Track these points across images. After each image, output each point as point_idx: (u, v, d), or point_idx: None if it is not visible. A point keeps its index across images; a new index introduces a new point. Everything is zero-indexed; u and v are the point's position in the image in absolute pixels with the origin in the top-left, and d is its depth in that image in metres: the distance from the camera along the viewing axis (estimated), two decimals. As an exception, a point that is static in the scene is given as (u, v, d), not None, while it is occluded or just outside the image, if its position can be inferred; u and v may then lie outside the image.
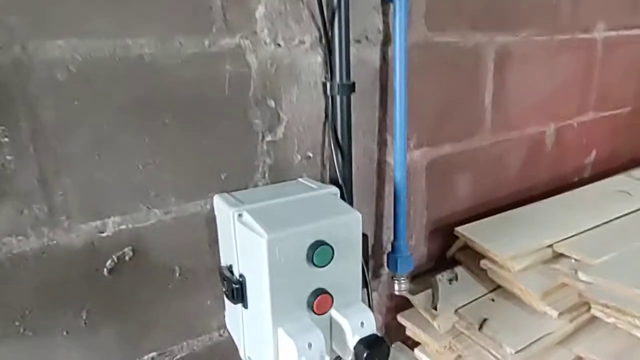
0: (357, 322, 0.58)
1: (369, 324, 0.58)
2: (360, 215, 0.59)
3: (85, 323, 0.59)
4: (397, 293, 0.82)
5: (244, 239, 0.57)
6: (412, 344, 0.91)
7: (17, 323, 0.54)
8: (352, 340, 0.57)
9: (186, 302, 0.67)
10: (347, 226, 0.58)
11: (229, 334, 0.71)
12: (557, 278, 0.81)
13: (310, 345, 0.54)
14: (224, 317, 0.70)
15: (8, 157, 0.50)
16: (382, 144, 0.82)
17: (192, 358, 0.69)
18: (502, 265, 0.83)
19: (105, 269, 0.59)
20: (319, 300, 0.56)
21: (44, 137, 0.52)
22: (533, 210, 1.00)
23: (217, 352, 0.72)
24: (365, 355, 0.55)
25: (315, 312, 0.57)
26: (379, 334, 0.58)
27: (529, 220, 0.95)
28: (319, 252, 0.55)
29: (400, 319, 0.89)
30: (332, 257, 0.56)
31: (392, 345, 0.96)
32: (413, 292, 0.87)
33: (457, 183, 0.97)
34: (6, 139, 0.50)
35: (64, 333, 0.58)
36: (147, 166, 0.59)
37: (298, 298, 0.56)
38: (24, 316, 0.55)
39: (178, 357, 0.68)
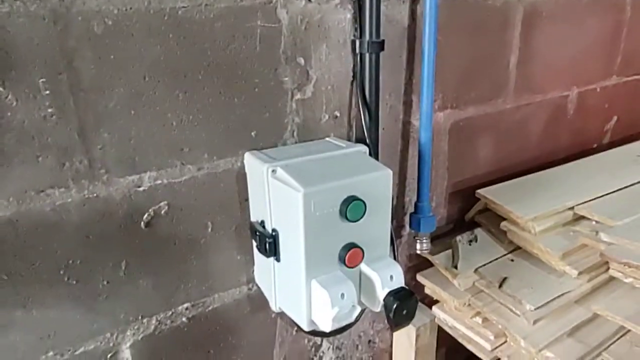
0: (387, 275, 0.59)
1: (397, 277, 0.60)
2: (391, 173, 0.60)
3: (124, 273, 0.61)
4: (418, 252, 0.84)
5: (277, 194, 0.58)
6: (430, 303, 0.93)
7: (61, 272, 0.57)
8: (381, 293, 0.59)
9: (217, 257, 0.69)
10: (378, 183, 0.59)
11: (258, 287, 0.73)
12: (577, 239, 0.82)
13: (342, 295, 0.56)
14: (253, 271, 0.73)
15: (49, 110, 0.51)
16: (407, 105, 0.82)
17: (223, 309, 0.72)
18: (523, 227, 0.84)
19: (142, 223, 0.61)
20: (351, 253, 0.58)
21: (83, 91, 0.52)
22: (553, 174, 1.00)
23: (246, 305, 0.74)
24: (395, 306, 0.57)
25: (346, 265, 0.58)
26: (406, 287, 0.60)
27: (549, 183, 0.95)
28: (352, 207, 0.56)
29: (419, 278, 0.91)
30: (365, 213, 0.57)
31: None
32: (432, 253, 0.89)
33: (478, 146, 0.97)
34: (47, 92, 0.50)
35: (105, 282, 0.60)
36: (181, 122, 0.60)
37: (330, 251, 0.58)
38: (68, 265, 0.57)
39: (210, 308, 0.71)
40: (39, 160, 0.52)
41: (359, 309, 0.57)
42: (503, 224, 0.87)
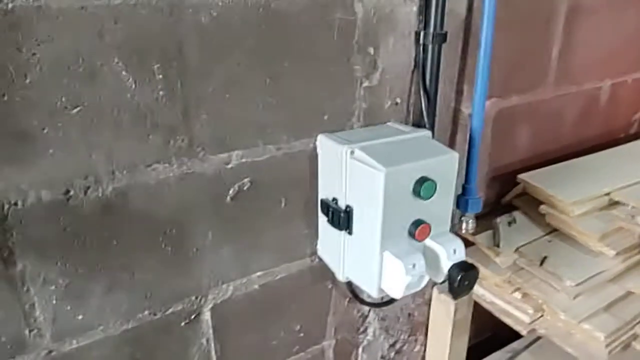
0: (451, 249, 0.65)
1: (460, 251, 0.66)
2: (457, 155, 0.65)
3: (210, 242, 0.68)
4: (463, 232, 0.90)
5: (356, 173, 0.64)
6: (468, 280, 1.00)
7: (160, 239, 0.63)
8: (446, 265, 0.65)
9: (288, 230, 0.75)
10: (447, 165, 0.65)
11: (319, 260, 0.79)
12: (614, 222, 0.88)
13: (414, 265, 0.62)
14: (316, 245, 0.79)
15: (161, 93, 0.56)
16: (459, 94, 0.87)
17: (288, 279, 0.79)
18: (562, 210, 0.90)
19: (228, 197, 0.67)
20: (421, 228, 0.64)
21: (189, 75, 0.58)
22: (587, 161, 1.06)
23: (308, 275, 0.81)
24: (459, 277, 0.63)
25: (416, 239, 0.64)
26: (468, 260, 0.66)
27: (584, 170, 1.01)
28: (426, 187, 0.62)
29: (460, 256, 0.97)
30: (435, 191, 0.63)
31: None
32: (473, 233, 0.95)
33: (518, 134, 1.02)
34: (160, 76, 0.56)
35: (194, 250, 0.67)
36: (266, 105, 0.65)
37: (402, 226, 0.64)
38: (166, 234, 0.63)
39: (278, 277, 0.78)
40: (149, 138, 0.58)
41: (427, 278, 0.63)
42: (542, 207, 0.93)
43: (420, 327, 1.08)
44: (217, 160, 0.64)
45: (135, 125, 0.56)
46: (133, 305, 0.64)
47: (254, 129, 0.66)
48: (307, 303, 0.84)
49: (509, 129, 1.00)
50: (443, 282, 0.67)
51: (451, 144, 0.90)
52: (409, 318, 1.05)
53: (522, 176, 0.96)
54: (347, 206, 0.67)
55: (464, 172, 0.88)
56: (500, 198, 1.06)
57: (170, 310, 0.68)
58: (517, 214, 0.99)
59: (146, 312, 0.66)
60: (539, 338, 1.13)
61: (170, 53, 0.56)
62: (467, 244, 0.98)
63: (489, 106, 0.93)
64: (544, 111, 1.04)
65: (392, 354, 1.06)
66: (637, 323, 0.80)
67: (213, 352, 0.75)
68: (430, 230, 0.65)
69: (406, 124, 0.81)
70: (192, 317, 0.71)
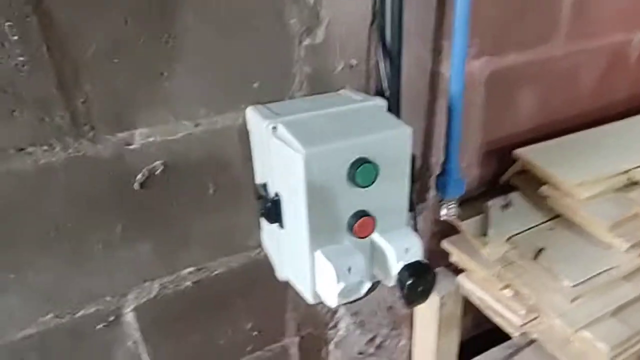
0: (402, 247, 0.53)
1: (414, 249, 0.53)
2: (410, 130, 0.52)
3: (120, 236, 0.58)
4: (444, 218, 0.76)
5: (279, 155, 0.52)
6: (456, 270, 0.87)
7: (51, 234, 0.54)
8: (395, 267, 0.52)
9: (221, 219, 0.64)
10: (395, 142, 0.51)
11: (266, 252, 0.69)
12: (630, 208, 0.72)
13: (349, 269, 0.50)
14: (260, 236, 0.68)
15: (20, 59, 0.46)
16: (436, 53, 0.71)
17: (229, 274, 0.69)
18: (567, 192, 0.74)
19: (136, 183, 0.56)
20: (361, 223, 0.51)
21: (56, 36, 0.46)
22: (607, 132, 0.88)
23: (254, 270, 0.70)
24: (409, 283, 0.51)
25: (356, 235, 0.52)
26: (424, 261, 0.53)
27: (601, 143, 0.83)
28: (362, 171, 0.49)
29: (445, 245, 0.84)
30: (376, 177, 0.50)
31: (435, 270, 0.93)
32: (461, 218, 0.81)
33: (519, 100, 0.85)
34: (15, 38, 0.45)
35: (100, 246, 0.57)
36: (171, 73, 0.53)
37: (338, 219, 0.52)
38: (58, 227, 0.54)
39: (215, 272, 0.68)
40: (14, 115, 0.47)
41: (368, 284, 0.51)
42: (542, 188, 0.77)
43: (404, 321, 0.97)
44: (115, 141, 0.53)
45: (-9, 100, 0.46)
46: (29, 309, 0.56)
47: (160, 101, 0.54)
48: (258, 299, 0.74)
49: (508, 94, 0.83)
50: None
51: (429, 114, 0.75)
52: (389, 311, 0.93)
53: (519, 151, 0.80)
54: (276, 194, 0.55)
55: (443, 148, 0.73)
56: (499, 176, 0.91)
57: (80, 313, 0.60)
58: (514, 196, 0.84)
59: (49, 316, 0.58)
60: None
61: (24, 8, 0.44)
62: (454, 230, 0.84)
63: (479, 67, 0.77)
64: (553, 71, 0.86)
65: (372, 349, 0.95)
66: (653, 332, 0.65)
67: (145, 355, 0.67)
68: (374, 224, 0.53)
69: (367, 91, 0.67)
70: (110, 319, 0.62)
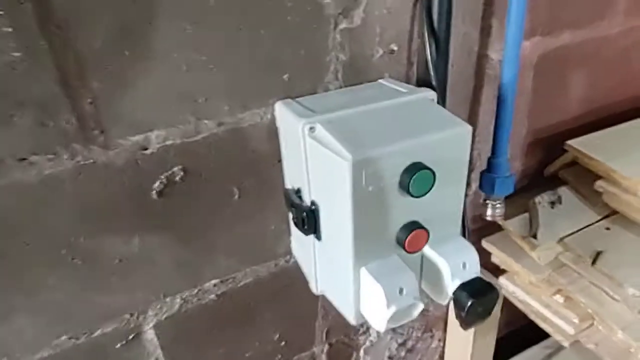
0: (458, 263, 0.46)
1: (472, 265, 0.47)
2: (471, 129, 0.44)
3: (138, 249, 0.52)
4: (489, 219, 0.69)
5: (317, 159, 0.45)
6: (495, 269, 0.80)
7: (63, 251, 0.48)
8: (451, 285, 0.46)
9: (248, 226, 0.58)
10: (453, 144, 0.44)
11: (297, 260, 0.62)
12: (702, 206, 0.64)
13: (401, 290, 0.43)
14: (290, 243, 0.62)
15: (15, 54, 0.39)
16: (484, 33, 0.63)
17: (257, 284, 0.63)
18: (627, 188, 0.66)
19: (154, 192, 0.50)
20: (412, 236, 0.44)
21: (57, 27, 0.39)
22: (666, 118, 0.79)
23: (283, 278, 0.64)
24: (469, 304, 0.44)
25: (406, 250, 0.45)
26: (484, 278, 0.47)
27: (661, 131, 0.75)
28: (418, 179, 0.41)
29: (486, 245, 0.77)
30: (433, 184, 0.43)
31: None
32: (505, 216, 0.74)
33: (570, 84, 0.77)
34: (8, 29, 0.38)
35: (117, 261, 0.51)
36: (192, 65, 0.46)
37: (386, 232, 0.45)
38: (70, 244, 0.48)
39: (242, 283, 0.62)
40: (13, 121, 0.41)
41: (421, 307, 0.45)
42: (599, 183, 0.70)
43: (437, 323, 0.91)
44: (129, 145, 0.47)
45: (-16, 105, 0.39)
46: (41, 332, 0.51)
47: (179, 98, 0.47)
48: (286, 309, 0.68)
49: (558, 78, 0.75)
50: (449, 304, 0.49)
51: (473, 103, 0.67)
52: (422, 314, 0.87)
53: (572, 142, 0.72)
54: (312, 202, 0.48)
55: (490, 141, 0.65)
56: (544, 168, 0.83)
57: (98, 332, 0.54)
58: (563, 191, 0.77)
59: (64, 337, 0.52)
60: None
61: (17, -7, 0.37)
62: (496, 228, 0.77)
63: (529, 48, 0.68)
64: (609, 51, 0.77)
65: (403, 353, 0.90)
66: None
67: (168, 372, 0.62)
68: (428, 237, 0.46)
69: (408, 79, 0.59)
70: (130, 337, 0.57)
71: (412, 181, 0.41)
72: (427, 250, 0.47)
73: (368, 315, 0.47)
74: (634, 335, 0.59)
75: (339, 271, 0.48)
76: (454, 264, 0.46)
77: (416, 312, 0.45)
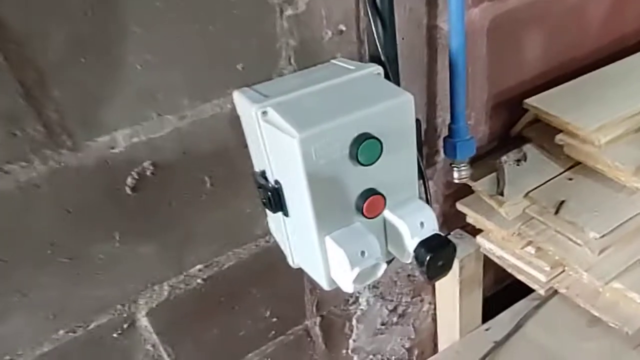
0: (416, 222, 0.49)
1: (429, 223, 0.50)
2: (412, 98, 0.47)
3: (119, 243, 0.55)
4: (456, 181, 0.72)
5: (272, 140, 0.48)
6: (473, 230, 0.84)
7: (49, 252, 0.51)
8: (411, 244, 0.49)
9: (224, 212, 0.61)
10: (397, 112, 0.47)
11: (275, 239, 0.66)
12: (654, 148, 0.67)
13: (363, 253, 0.47)
14: (267, 223, 0.65)
15: (-25, 70, 0.41)
16: (431, 5, 0.65)
17: (241, 266, 0.66)
18: (585, 139, 0.69)
19: (127, 188, 0.53)
20: (369, 202, 0.48)
21: (13, 42, 0.42)
22: (621, 68, 0.82)
23: (265, 258, 0.68)
24: (428, 258, 0.48)
25: (365, 216, 0.49)
26: (440, 234, 0.50)
27: (616, 82, 0.78)
28: (365, 148, 0.45)
29: (460, 206, 0.81)
30: (381, 152, 0.46)
31: (452, 233, 0.90)
32: (474, 178, 0.77)
33: (525, 45, 0.79)
34: (-34, 47, 0.40)
35: (101, 255, 0.55)
36: (147, 65, 0.49)
37: (345, 201, 0.48)
38: (54, 244, 0.51)
39: (226, 266, 0.65)
40: (-18, 134, 0.44)
41: (384, 267, 0.49)
42: (559, 137, 0.73)
43: (426, 287, 0.95)
44: (98, 146, 0.50)
45: (-47, 121, 0.42)
46: (39, 329, 0.54)
47: (138, 97, 0.50)
48: (273, 286, 0.72)
49: (512, 41, 0.78)
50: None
51: (430, 73, 0.70)
52: (409, 279, 0.91)
53: (530, 100, 0.75)
54: (276, 181, 0.51)
55: (448, 108, 0.69)
56: (509, 128, 0.86)
57: (93, 325, 0.58)
58: (528, 148, 0.80)
59: (61, 332, 0.56)
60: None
61: (-31, 13, 0.40)
62: (469, 191, 0.81)
63: (479, 14, 0.71)
64: (559, 9, 0.80)
65: (395, 318, 0.94)
66: (687, 276, 0.62)
67: (166, 356, 0.66)
68: (384, 202, 0.49)
69: (360, 57, 0.62)
70: (125, 326, 0.60)
71: (359, 151, 0.44)
72: (387, 214, 0.51)
73: (337, 279, 0.50)
74: (597, 275, 0.63)
75: (307, 242, 0.51)
76: (412, 223, 0.49)
77: (380, 272, 0.49)
